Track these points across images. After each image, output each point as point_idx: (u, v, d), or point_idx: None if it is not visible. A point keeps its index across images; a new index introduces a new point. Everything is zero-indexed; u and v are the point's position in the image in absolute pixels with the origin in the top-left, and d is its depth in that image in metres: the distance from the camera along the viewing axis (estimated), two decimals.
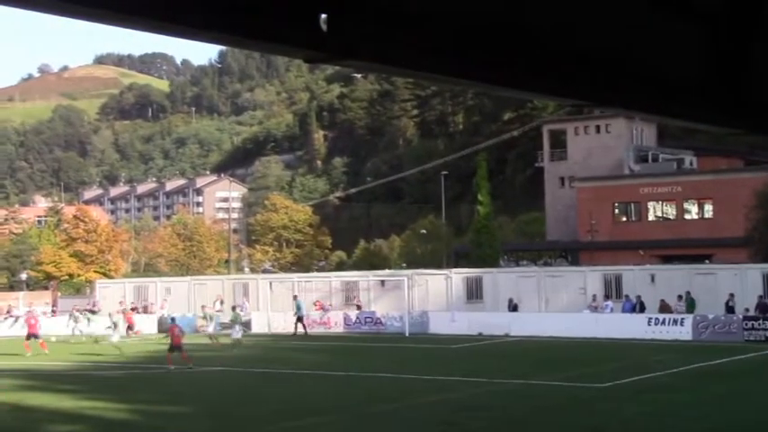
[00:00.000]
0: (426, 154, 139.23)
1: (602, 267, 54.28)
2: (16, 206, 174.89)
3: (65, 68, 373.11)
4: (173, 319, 39.49)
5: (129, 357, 40.28)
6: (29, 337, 43.94)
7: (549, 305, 50.07)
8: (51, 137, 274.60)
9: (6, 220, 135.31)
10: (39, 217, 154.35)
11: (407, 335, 48.98)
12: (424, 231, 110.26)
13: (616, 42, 3.21)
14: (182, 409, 26.10)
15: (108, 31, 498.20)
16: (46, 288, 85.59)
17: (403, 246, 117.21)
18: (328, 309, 54.70)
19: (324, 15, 2.41)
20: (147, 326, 53.59)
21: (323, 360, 38.34)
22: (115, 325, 47.11)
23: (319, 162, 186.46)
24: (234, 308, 47.97)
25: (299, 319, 51.72)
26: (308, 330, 51.71)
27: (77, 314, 54.83)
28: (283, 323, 52.52)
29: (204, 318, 49.17)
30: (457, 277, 54.35)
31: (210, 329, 47.12)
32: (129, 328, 51.10)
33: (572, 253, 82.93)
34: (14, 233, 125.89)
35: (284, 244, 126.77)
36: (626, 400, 25.25)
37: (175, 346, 35.76)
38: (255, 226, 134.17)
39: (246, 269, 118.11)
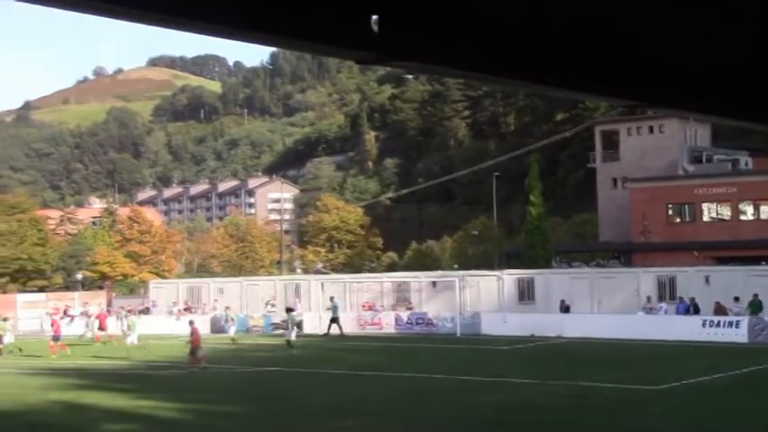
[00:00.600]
0: (478, 155, 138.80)
1: (656, 269, 53.73)
2: (72, 207, 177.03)
3: (119, 71, 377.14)
4: (191, 322, 39.67)
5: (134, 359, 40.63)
6: (55, 338, 44.93)
7: (602, 306, 49.70)
8: (106, 138, 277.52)
9: (62, 220, 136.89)
10: (94, 218, 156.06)
11: (459, 336, 48.89)
12: (476, 232, 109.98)
13: (668, 43, 3.19)
14: (232, 408, 26.26)
15: (161, 34, 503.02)
16: (101, 288, 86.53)
17: (454, 247, 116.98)
18: (379, 309, 54.78)
19: (375, 17, 2.42)
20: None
21: (374, 361, 38.35)
22: (129, 327, 46.78)
23: (371, 163, 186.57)
24: (288, 310, 48.09)
25: (335, 320, 51.81)
26: (361, 331, 51.94)
27: (127, 314, 55.54)
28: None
29: (227, 319, 49.54)
30: (509, 278, 54.14)
31: (232, 331, 47.54)
32: (101, 329, 51.27)
33: (625, 254, 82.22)
34: (70, 234, 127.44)
35: (336, 245, 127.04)
36: (680, 403, 25.00)
37: (195, 348, 36.00)
38: (307, 227, 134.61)
39: (298, 270, 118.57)
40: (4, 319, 48.48)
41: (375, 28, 2.43)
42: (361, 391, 28.85)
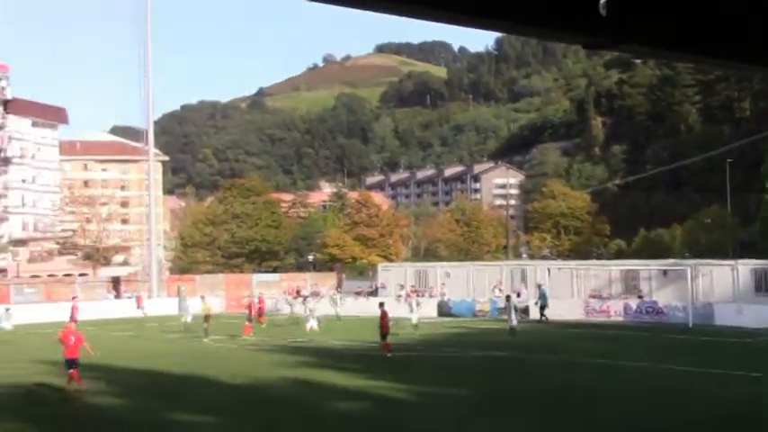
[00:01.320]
0: (710, 141, 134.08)
1: None
2: (303, 191, 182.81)
3: (347, 58, 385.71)
4: (381, 304, 37.98)
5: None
6: (250, 319, 46.44)
7: None
8: (335, 124, 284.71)
9: (294, 204, 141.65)
10: (323, 202, 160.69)
11: (691, 326, 47.55)
12: (708, 220, 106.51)
13: None
14: (460, 391, 26.41)
15: (388, 21, 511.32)
16: (331, 270, 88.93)
17: (685, 235, 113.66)
18: (604, 297, 54.06)
19: (603, 1, 2.43)
20: (427, 309, 53.87)
21: (599, 348, 37.73)
22: (311, 311, 47.30)
23: (597, 149, 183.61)
24: (508, 297, 48.08)
25: (543, 308, 51.56)
26: (589, 319, 51.62)
27: (337, 296, 57.40)
28: (559, 310, 52.17)
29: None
30: (744, 268, 52.17)
31: (415, 315, 47.52)
32: (260, 315, 51.86)
33: None
34: (302, 217, 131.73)
35: (562, 231, 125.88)
36: None
37: (385, 332, 35.85)
38: (533, 213, 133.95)
39: (524, 255, 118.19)
40: (202, 297, 50.42)
41: (603, 12, 2.44)
42: (583, 379, 28.53)
